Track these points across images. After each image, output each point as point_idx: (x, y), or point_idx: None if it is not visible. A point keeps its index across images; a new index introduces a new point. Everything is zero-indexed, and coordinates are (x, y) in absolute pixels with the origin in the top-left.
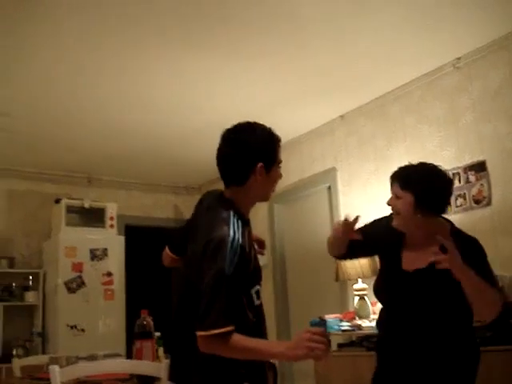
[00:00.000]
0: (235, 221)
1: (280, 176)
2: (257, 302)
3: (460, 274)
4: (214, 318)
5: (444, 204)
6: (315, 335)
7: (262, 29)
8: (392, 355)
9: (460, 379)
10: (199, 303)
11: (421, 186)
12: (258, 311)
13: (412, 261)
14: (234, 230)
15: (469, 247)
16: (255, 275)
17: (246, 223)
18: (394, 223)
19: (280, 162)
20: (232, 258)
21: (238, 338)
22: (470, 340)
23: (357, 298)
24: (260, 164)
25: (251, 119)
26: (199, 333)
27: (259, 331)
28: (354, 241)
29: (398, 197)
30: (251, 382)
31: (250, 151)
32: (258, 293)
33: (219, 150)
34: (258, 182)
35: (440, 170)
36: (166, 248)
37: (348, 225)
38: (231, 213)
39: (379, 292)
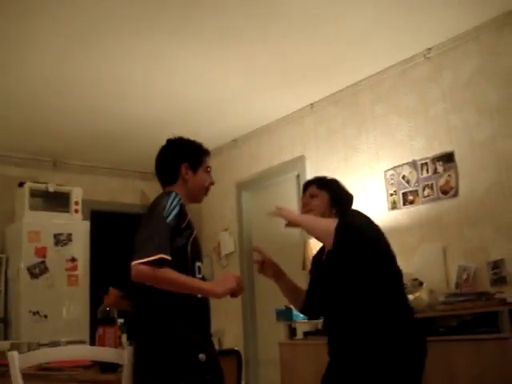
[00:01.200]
0: (176, 195)
1: (211, 181)
2: (198, 276)
3: (300, 222)
4: (151, 247)
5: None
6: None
7: (235, 16)
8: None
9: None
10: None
11: (334, 186)
12: None
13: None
14: (174, 196)
15: None
16: (197, 249)
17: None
18: None
19: (208, 167)
20: (171, 210)
21: (171, 271)
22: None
23: None
24: (185, 164)
25: (221, 106)
26: (135, 261)
27: (205, 303)
28: (307, 292)
29: (314, 196)
30: (206, 354)
31: (174, 152)
32: (199, 268)
33: (155, 163)
34: (186, 181)
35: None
36: (110, 289)
37: (258, 261)
38: (174, 192)
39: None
